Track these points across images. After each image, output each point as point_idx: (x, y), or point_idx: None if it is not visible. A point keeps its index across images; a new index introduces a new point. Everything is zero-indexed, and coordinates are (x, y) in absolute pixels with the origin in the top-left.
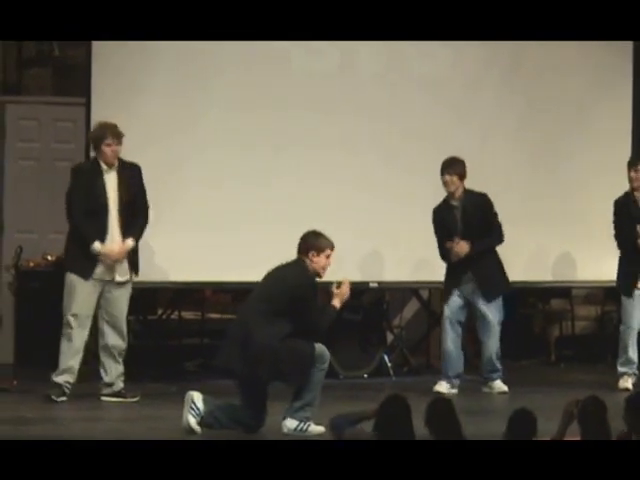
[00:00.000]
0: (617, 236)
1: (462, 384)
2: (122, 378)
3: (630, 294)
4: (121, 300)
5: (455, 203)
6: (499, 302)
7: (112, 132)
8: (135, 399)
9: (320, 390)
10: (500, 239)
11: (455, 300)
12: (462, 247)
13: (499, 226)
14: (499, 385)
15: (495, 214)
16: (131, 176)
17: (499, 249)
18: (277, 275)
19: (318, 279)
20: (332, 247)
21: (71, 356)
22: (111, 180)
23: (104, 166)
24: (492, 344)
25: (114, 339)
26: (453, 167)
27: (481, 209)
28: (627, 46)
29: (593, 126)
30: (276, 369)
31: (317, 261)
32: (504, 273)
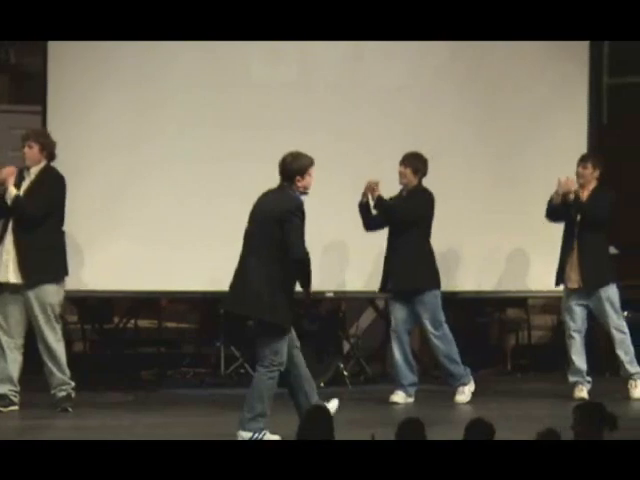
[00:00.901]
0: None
1: (420, 393)
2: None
3: (558, 282)
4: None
5: (404, 194)
6: (433, 302)
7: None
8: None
9: (271, 399)
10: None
11: (399, 309)
12: None
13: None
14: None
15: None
16: (41, 181)
17: (459, 254)
18: (265, 209)
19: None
20: (312, 162)
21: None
22: (26, 182)
23: (26, 169)
24: (433, 347)
25: None
26: (409, 160)
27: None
28: (584, 57)
29: (550, 137)
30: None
31: (304, 183)
32: (425, 271)
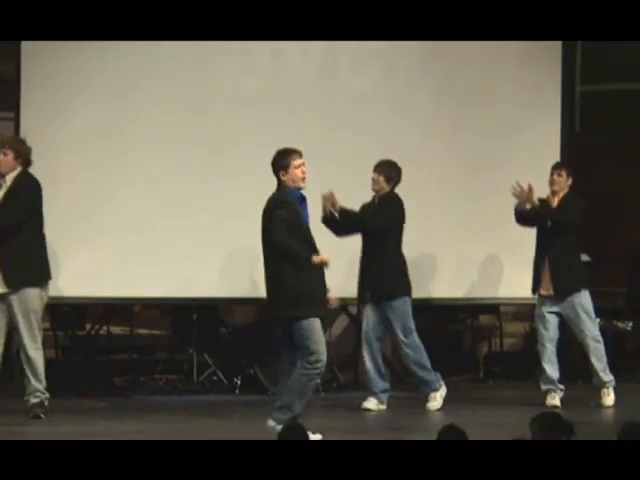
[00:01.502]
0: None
1: (392, 400)
2: None
3: (533, 291)
4: None
5: (376, 202)
6: (404, 309)
7: None
8: None
9: (303, 397)
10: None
11: (370, 316)
12: None
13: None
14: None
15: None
16: (17, 188)
17: (431, 261)
18: (263, 212)
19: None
20: (299, 154)
21: None
22: (2, 190)
23: (1, 177)
24: (403, 355)
25: None
26: (382, 167)
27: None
28: (556, 65)
29: (522, 145)
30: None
31: (290, 177)
32: (396, 278)
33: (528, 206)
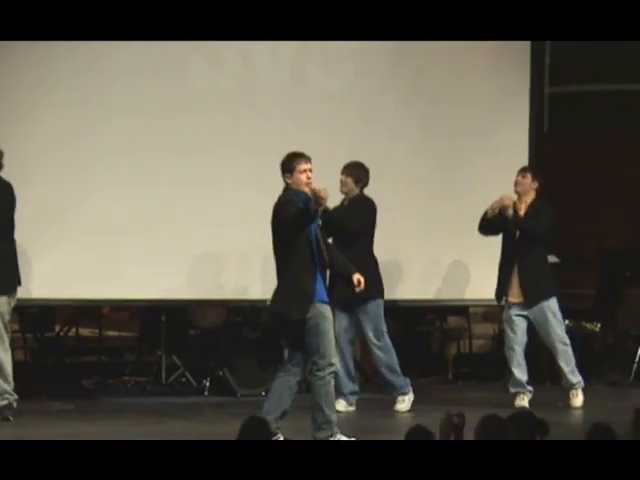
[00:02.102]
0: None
1: (361, 402)
2: None
3: (499, 299)
4: None
5: (346, 204)
6: (376, 312)
7: None
8: None
9: (333, 402)
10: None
11: (342, 318)
12: None
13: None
14: (399, 404)
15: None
16: None
17: (400, 263)
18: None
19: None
20: (305, 159)
21: None
22: None
23: None
24: (374, 357)
25: None
26: (350, 169)
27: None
28: (525, 66)
29: (491, 146)
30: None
31: (295, 181)
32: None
33: (494, 213)
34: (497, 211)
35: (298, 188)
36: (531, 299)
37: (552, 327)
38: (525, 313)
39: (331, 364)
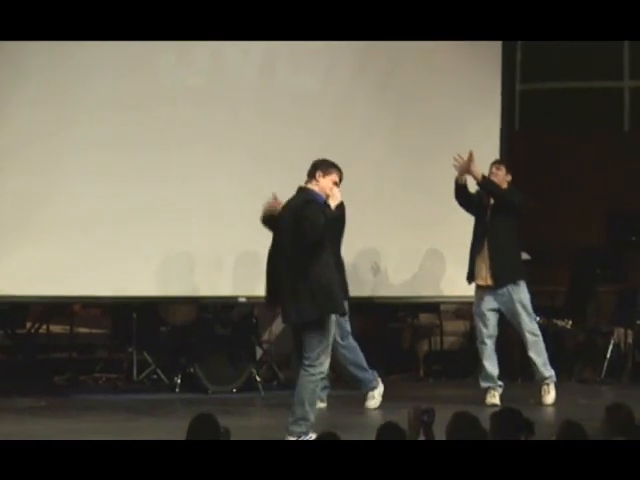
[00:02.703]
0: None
1: (332, 399)
2: None
3: (470, 279)
4: None
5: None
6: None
7: None
8: None
9: (315, 403)
10: None
11: None
12: None
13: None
14: (369, 401)
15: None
16: None
17: (371, 260)
18: (289, 213)
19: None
20: (340, 176)
21: None
22: None
23: None
24: (340, 357)
25: None
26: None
27: None
28: (496, 64)
29: (462, 143)
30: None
31: (322, 182)
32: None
33: (464, 178)
34: (464, 173)
35: (319, 191)
36: (500, 281)
37: (521, 318)
38: (496, 306)
39: (323, 365)
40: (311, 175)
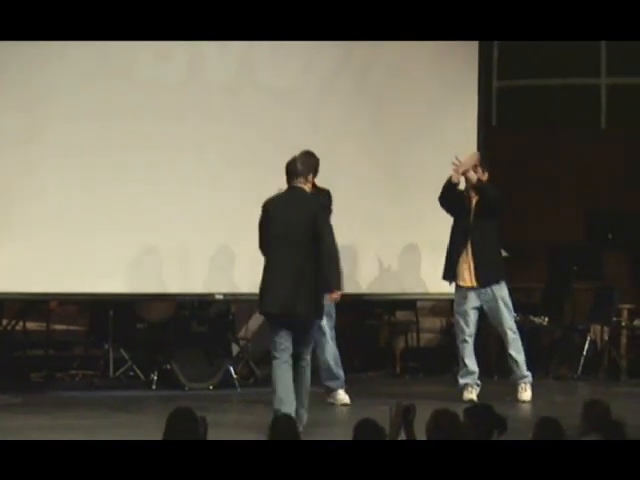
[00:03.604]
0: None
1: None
2: None
3: (450, 279)
4: None
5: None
6: (330, 307)
7: None
8: None
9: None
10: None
11: None
12: None
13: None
14: (342, 397)
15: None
16: None
17: (348, 256)
18: (293, 213)
19: None
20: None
21: None
22: None
23: None
24: (328, 350)
25: None
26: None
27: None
28: (473, 60)
29: (439, 139)
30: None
31: (310, 184)
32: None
33: (459, 178)
34: (461, 173)
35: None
36: (484, 282)
37: (503, 315)
38: (478, 304)
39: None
40: (304, 174)
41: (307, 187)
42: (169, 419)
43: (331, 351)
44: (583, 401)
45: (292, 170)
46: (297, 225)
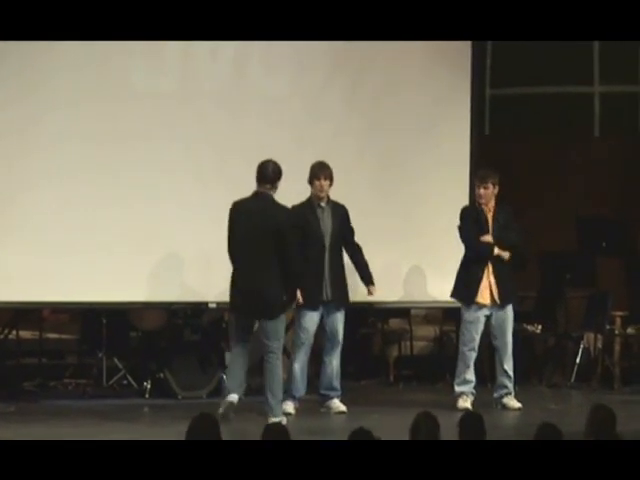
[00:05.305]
0: (464, 240)
1: (303, 403)
2: None
3: (470, 302)
4: None
5: (323, 205)
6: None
7: None
8: None
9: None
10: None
11: (314, 319)
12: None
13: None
14: (337, 405)
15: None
16: None
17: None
18: (258, 219)
19: None
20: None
21: None
22: None
23: None
24: (337, 362)
25: None
26: (330, 171)
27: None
28: (466, 69)
29: (433, 147)
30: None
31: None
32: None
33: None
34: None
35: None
36: (506, 300)
37: (509, 330)
38: (489, 314)
39: None
40: (272, 182)
41: (272, 193)
42: (191, 424)
43: (337, 362)
44: (590, 405)
45: (263, 175)
46: (261, 230)
